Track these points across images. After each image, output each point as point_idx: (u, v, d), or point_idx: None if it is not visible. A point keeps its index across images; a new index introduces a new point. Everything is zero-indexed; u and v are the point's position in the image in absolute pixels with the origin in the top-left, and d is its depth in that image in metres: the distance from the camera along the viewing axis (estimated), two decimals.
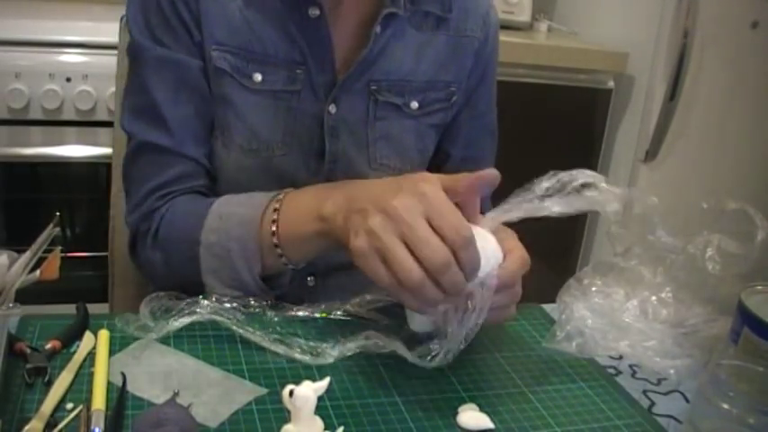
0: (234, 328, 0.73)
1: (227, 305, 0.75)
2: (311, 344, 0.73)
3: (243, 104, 0.88)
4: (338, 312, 0.79)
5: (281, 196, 0.80)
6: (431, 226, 0.64)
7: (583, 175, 0.72)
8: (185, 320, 0.73)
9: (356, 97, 0.91)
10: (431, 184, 0.67)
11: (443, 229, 0.63)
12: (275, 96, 0.88)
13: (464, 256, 0.64)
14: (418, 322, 0.72)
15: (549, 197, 0.71)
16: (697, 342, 0.82)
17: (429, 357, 0.69)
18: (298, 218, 0.78)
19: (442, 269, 0.63)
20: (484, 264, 0.67)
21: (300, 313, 0.79)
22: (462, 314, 0.67)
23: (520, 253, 0.73)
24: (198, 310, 0.74)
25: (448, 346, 0.68)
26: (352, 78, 0.90)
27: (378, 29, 0.89)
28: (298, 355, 0.71)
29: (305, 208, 0.77)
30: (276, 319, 0.77)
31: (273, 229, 0.78)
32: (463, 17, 0.96)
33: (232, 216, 0.80)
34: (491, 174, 0.70)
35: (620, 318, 0.83)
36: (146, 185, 0.88)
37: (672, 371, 0.78)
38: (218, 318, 0.74)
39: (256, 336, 0.73)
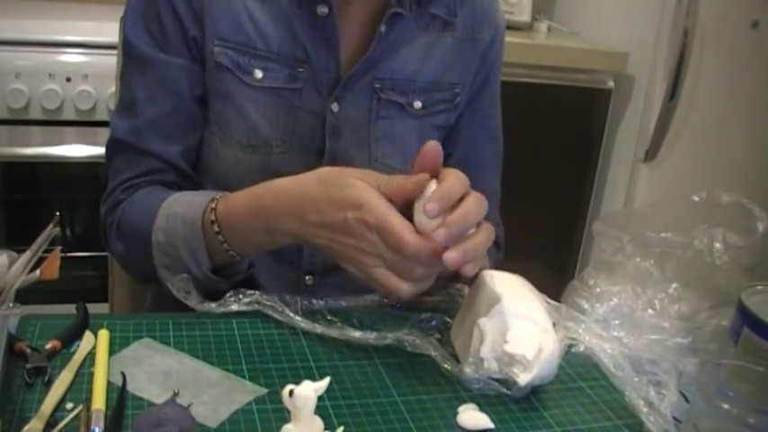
0: (280, 317, 0.77)
1: (266, 296, 0.78)
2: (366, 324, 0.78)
3: (243, 100, 0.88)
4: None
5: (213, 204, 0.81)
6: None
7: None
8: (227, 309, 0.77)
9: (359, 95, 0.91)
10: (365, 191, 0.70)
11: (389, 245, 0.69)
12: (276, 94, 0.88)
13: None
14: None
15: None
16: (703, 339, 0.81)
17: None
18: (240, 229, 0.80)
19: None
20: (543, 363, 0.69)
21: (344, 303, 0.83)
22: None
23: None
24: (240, 298, 0.78)
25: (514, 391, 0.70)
26: (356, 76, 0.90)
27: (383, 28, 0.89)
28: (357, 334, 0.75)
29: (247, 223, 0.79)
30: (322, 305, 0.81)
31: (216, 229, 0.79)
32: (470, 20, 0.97)
33: (177, 217, 0.82)
34: (430, 148, 0.72)
35: (623, 316, 0.83)
36: (115, 180, 0.91)
37: (674, 370, 0.78)
38: (260, 308, 0.77)
39: (302, 322, 0.76)
